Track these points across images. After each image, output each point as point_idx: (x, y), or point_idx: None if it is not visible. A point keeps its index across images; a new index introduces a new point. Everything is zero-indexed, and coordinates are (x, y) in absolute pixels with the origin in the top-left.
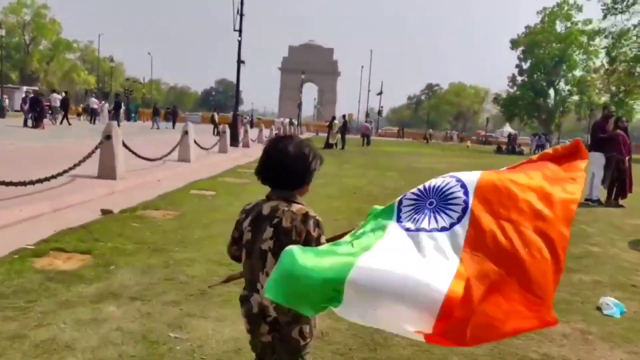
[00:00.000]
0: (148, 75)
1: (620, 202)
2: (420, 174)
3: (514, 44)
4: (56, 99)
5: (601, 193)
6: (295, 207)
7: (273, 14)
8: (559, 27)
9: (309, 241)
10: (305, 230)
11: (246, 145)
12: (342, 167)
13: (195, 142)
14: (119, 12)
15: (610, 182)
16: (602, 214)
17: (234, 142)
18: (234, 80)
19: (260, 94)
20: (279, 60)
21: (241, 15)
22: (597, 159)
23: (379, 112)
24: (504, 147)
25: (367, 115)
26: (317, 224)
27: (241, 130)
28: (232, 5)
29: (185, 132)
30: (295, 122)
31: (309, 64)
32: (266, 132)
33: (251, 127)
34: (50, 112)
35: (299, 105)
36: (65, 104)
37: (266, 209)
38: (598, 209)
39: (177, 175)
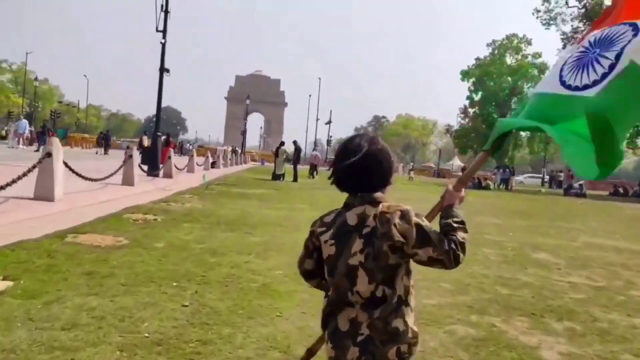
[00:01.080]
0: (89, 100)
1: None
2: None
3: (464, 75)
4: None
5: None
6: (384, 207)
7: (221, 43)
8: (509, 59)
9: (419, 233)
10: (411, 227)
11: (168, 175)
12: (294, 209)
13: (69, 168)
14: (63, 37)
15: None
16: None
17: (152, 170)
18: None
19: (206, 122)
20: (226, 90)
21: (165, 13)
22: None
23: (328, 142)
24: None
25: (315, 144)
26: (416, 215)
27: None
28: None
29: (48, 155)
30: (239, 150)
31: (256, 94)
32: (199, 160)
33: (183, 154)
34: None
35: (243, 133)
36: None
37: (352, 219)
38: None
39: (8, 226)
